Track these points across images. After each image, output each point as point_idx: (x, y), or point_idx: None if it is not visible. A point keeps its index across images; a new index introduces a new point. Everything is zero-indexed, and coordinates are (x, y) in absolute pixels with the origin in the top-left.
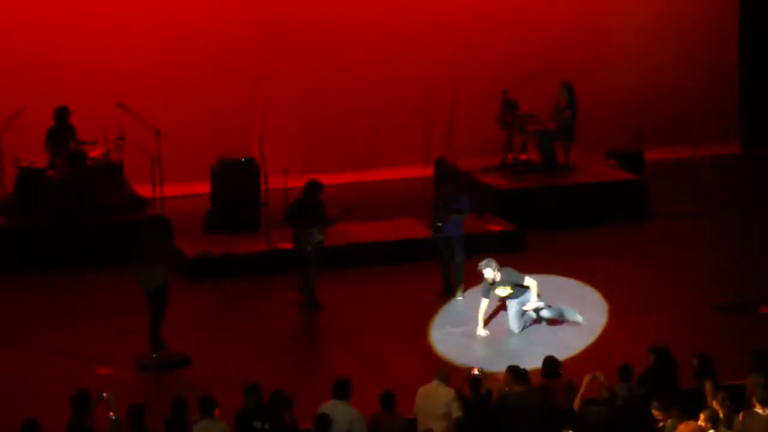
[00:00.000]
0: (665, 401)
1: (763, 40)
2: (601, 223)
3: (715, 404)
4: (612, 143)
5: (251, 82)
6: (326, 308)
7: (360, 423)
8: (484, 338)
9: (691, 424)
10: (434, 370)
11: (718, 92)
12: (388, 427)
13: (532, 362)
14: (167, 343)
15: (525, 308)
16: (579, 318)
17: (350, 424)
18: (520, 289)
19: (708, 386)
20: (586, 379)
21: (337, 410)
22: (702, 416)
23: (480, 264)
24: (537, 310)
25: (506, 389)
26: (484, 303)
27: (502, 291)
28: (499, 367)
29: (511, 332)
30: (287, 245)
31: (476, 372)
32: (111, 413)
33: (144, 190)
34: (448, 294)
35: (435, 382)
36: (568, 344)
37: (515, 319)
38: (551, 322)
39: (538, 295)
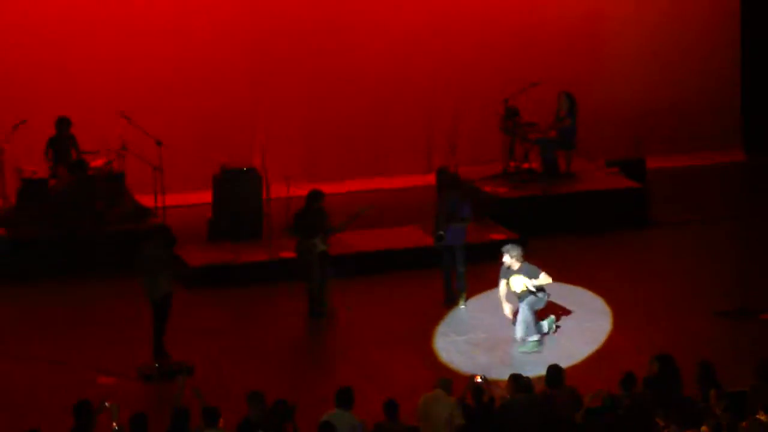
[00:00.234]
0: (669, 409)
1: (766, 46)
2: (602, 230)
3: (718, 412)
4: (613, 151)
5: (253, 92)
6: (328, 317)
7: None
8: (487, 346)
9: None
10: (436, 378)
11: (720, 99)
12: None
13: (535, 370)
14: (169, 352)
15: (525, 286)
16: (545, 328)
17: None
18: (533, 296)
19: (712, 394)
20: (590, 396)
21: (340, 419)
22: (705, 425)
23: (505, 246)
24: (535, 291)
25: (508, 397)
26: (502, 284)
27: (517, 285)
28: (502, 375)
29: (514, 339)
30: (289, 254)
31: (479, 379)
32: (114, 423)
33: (146, 200)
34: (451, 302)
35: (437, 391)
36: (571, 352)
37: (522, 324)
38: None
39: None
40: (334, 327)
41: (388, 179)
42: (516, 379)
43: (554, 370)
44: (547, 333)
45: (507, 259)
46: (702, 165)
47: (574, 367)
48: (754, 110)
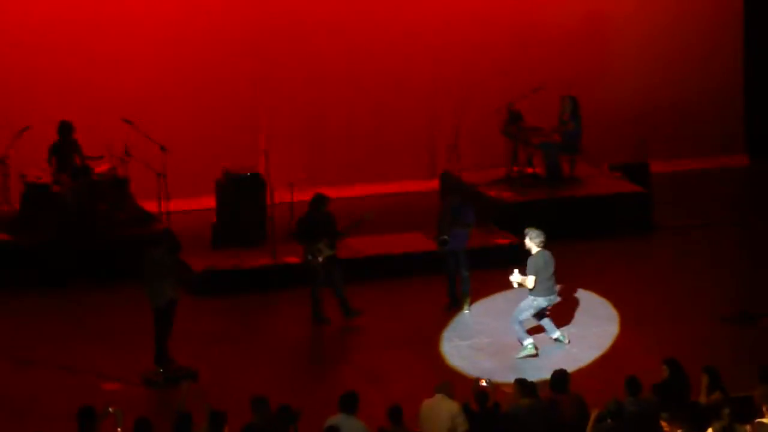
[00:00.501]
0: (674, 413)
1: None
2: (606, 235)
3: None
4: (617, 155)
5: (256, 97)
6: (332, 322)
7: None
8: (492, 350)
9: None
10: (436, 383)
11: (724, 103)
12: None
13: (540, 375)
14: (174, 358)
15: (512, 279)
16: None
17: None
18: (527, 299)
19: (716, 398)
20: (595, 413)
21: (344, 424)
22: (710, 429)
23: (528, 229)
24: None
25: (513, 402)
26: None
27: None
28: (507, 379)
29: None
30: (293, 259)
31: (484, 383)
32: (118, 429)
33: (150, 206)
34: (455, 307)
35: (438, 396)
36: (575, 357)
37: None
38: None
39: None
40: (337, 332)
41: (391, 184)
42: (521, 383)
43: (559, 374)
44: (562, 341)
45: (527, 241)
46: (706, 169)
47: (579, 372)
48: (758, 114)
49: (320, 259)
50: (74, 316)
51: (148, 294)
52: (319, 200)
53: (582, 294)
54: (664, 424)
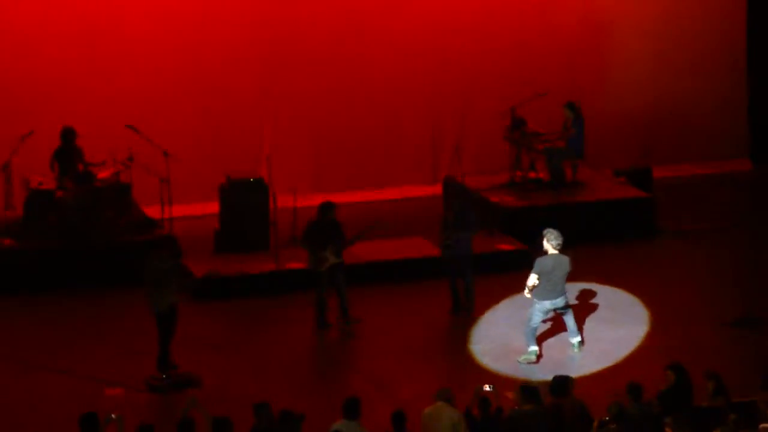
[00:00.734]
0: (678, 419)
1: None
2: (610, 240)
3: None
4: (621, 160)
5: (259, 103)
6: (334, 327)
7: None
8: (496, 355)
9: None
10: (434, 390)
11: (727, 108)
12: None
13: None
14: (177, 363)
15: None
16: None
17: None
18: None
19: (719, 403)
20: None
21: (347, 430)
22: None
23: (547, 230)
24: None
25: (516, 408)
26: None
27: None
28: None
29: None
30: (296, 265)
31: (488, 388)
32: None
33: (153, 211)
34: (459, 312)
35: (439, 403)
36: (579, 361)
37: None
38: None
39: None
40: (340, 337)
41: (394, 189)
42: (524, 389)
43: (561, 379)
44: (574, 348)
45: (544, 242)
46: (709, 174)
47: (583, 377)
48: (761, 119)
49: (326, 266)
50: (77, 321)
51: (150, 300)
52: (327, 207)
53: (587, 297)
54: (668, 430)
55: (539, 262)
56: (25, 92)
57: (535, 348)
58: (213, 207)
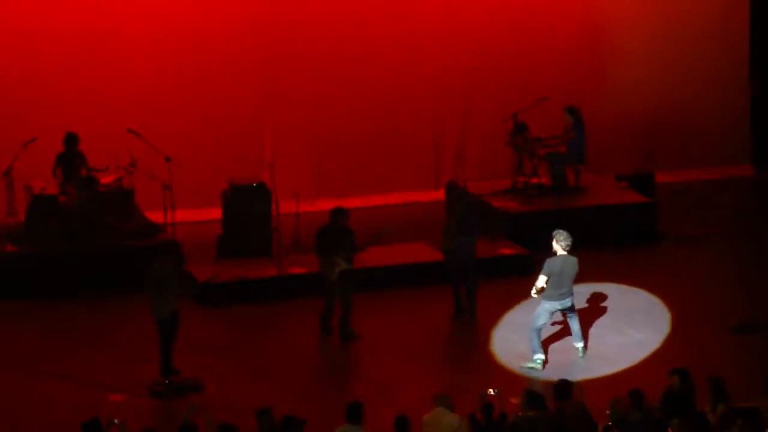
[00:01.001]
0: (681, 423)
1: None
2: (612, 245)
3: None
4: (623, 165)
5: (261, 108)
6: (335, 331)
7: None
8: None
9: None
10: (433, 396)
11: (729, 113)
12: None
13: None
14: (179, 368)
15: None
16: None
17: None
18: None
19: (721, 409)
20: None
21: None
22: None
23: (557, 231)
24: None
25: (520, 414)
26: None
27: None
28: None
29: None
30: (299, 270)
31: (492, 392)
32: None
33: (155, 216)
34: (461, 317)
35: (438, 409)
36: (584, 366)
37: (538, 316)
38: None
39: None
40: (343, 342)
41: (396, 194)
42: (529, 394)
43: (563, 384)
44: (579, 352)
45: (553, 243)
46: (711, 179)
47: (586, 380)
48: (763, 124)
49: (336, 271)
50: (79, 326)
51: (151, 305)
52: (339, 213)
53: (594, 300)
54: None
55: (548, 263)
56: (27, 97)
57: (541, 356)
58: (216, 212)
